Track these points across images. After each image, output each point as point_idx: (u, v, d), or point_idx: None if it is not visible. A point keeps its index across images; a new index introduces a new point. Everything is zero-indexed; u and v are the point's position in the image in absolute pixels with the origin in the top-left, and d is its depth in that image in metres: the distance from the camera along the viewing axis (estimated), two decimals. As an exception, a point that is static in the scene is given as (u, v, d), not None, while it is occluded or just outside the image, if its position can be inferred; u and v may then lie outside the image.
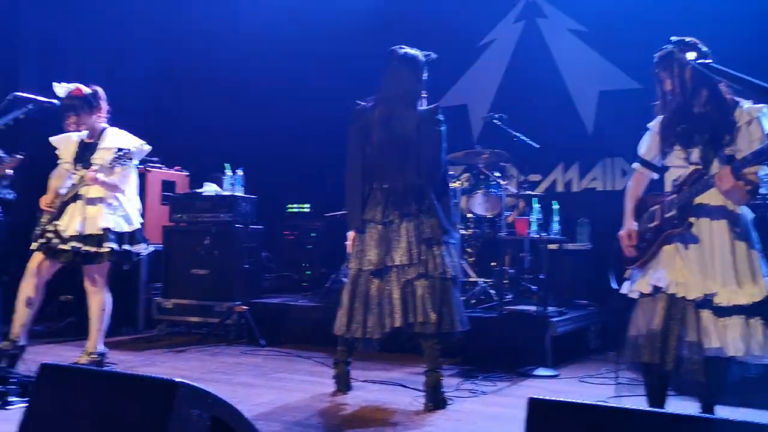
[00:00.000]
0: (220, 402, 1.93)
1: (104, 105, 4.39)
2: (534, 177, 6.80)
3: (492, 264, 5.87)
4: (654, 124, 3.20)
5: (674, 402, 3.83)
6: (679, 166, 3.04)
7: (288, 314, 5.83)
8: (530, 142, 5.63)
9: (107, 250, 4.14)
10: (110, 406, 1.91)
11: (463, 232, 5.62)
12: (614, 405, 1.69)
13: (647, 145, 3.22)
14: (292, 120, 7.65)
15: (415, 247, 3.63)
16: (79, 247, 4.10)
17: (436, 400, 3.64)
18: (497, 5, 7.34)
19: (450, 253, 3.72)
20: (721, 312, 2.86)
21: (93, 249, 4.12)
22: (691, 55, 2.86)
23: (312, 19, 7.47)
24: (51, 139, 4.43)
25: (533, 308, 4.93)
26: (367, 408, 3.68)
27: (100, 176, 4.14)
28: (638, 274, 3.11)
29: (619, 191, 6.48)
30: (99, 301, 4.30)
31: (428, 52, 3.85)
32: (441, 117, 3.74)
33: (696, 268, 2.91)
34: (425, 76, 3.83)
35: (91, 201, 4.20)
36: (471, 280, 5.62)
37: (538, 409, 1.71)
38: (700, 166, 2.96)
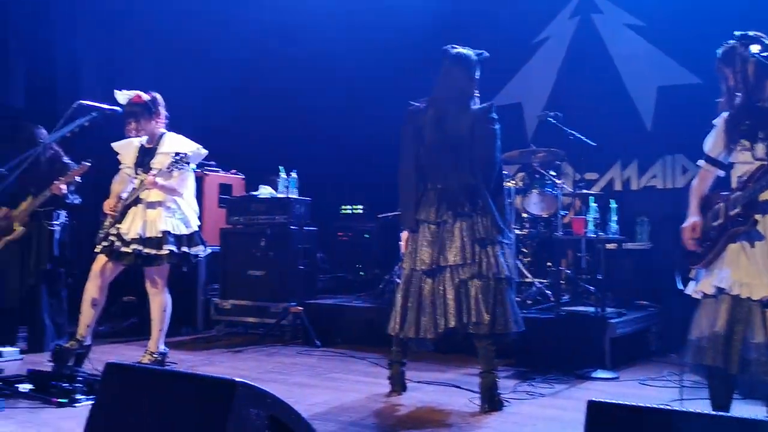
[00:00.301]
0: (278, 401, 1.95)
1: (163, 111, 4.51)
2: (590, 176, 6.66)
3: (548, 264, 5.80)
4: (719, 121, 3.10)
5: (739, 406, 3.70)
6: (744, 162, 2.95)
7: (342, 315, 5.87)
8: (586, 140, 5.52)
9: (166, 252, 4.26)
10: (172, 405, 1.96)
11: (518, 232, 5.56)
12: (677, 408, 1.64)
13: (712, 141, 3.13)
14: (345, 122, 7.71)
15: (468, 246, 3.61)
16: (140, 250, 4.23)
17: (492, 402, 3.60)
18: (551, 2, 7.24)
19: (504, 253, 3.69)
20: None
21: (153, 251, 4.24)
22: (754, 48, 2.77)
23: (364, 20, 7.51)
24: (113, 144, 4.58)
25: (591, 309, 4.83)
26: (422, 409, 3.67)
27: (159, 180, 4.25)
28: (702, 274, 3.02)
29: (680, 189, 6.33)
30: (160, 303, 4.42)
31: (480, 51, 3.82)
32: (495, 116, 3.71)
33: (762, 267, 2.81)
34: (478, 75, 3.81)
35: (151, 205, 4.32)
36: (527, 280, 5.55)
37: (597, 412, 1.68)
38: (765, 162, 2.86)
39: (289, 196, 6.17)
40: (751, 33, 2.91)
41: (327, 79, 7.65)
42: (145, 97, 4.42)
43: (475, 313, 3.55)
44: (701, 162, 3.21)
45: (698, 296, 3.00)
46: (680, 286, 3.15)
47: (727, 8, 5.89)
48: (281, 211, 6.14)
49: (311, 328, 5.65)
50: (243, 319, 6.16)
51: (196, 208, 4.57)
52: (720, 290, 2.87)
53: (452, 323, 3.58)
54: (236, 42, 7.73)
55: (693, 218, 3.11)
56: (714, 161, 3.14)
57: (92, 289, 4.30)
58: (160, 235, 4.26)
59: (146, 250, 4.23)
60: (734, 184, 3.02)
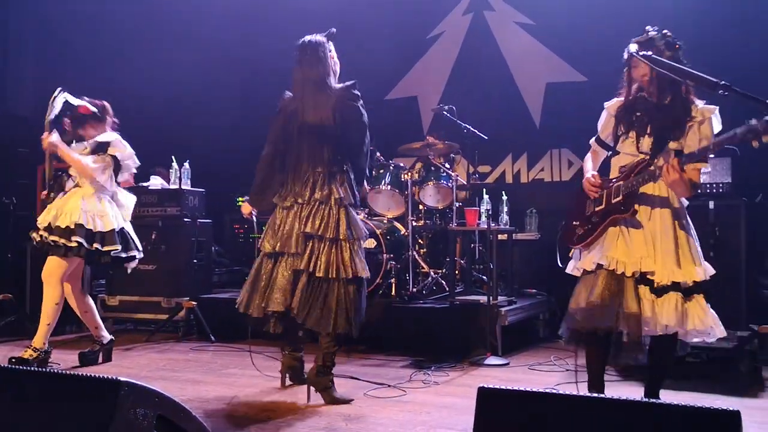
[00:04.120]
0: (167, 400, 1.88)
1: (110, 119, 4.50)
2: (484, 168, 6.86)
3: (444, 256, 5.92)
4: (611, 105, 3.22)
5: (619, 387, 3.94)
6: (629, 153, 3.11)
7: (238, 309, 5.74)
8: (479, 134, 5.67)
9: (75, 244, 4.13)
10: (51, 408, 1.85)
11: (414, 223, 5.65)
12: (560, 392, 1.72)
13: (603, 123, 3.28)
14: (240, 111, 7.55)
15: (302, 238, 3.55)
16: (45, 237, 4.14)
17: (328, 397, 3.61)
18: (445, -3, 7.38)
19: (340, 251, 3.55)
20: (660, 290, 2.96)
21: (61, 240, 4.12)
22: (633, 47, 2.91)
23: (258, 10, 7.39)
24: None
25: (483, 298, 4.98)
26: (317, 402, 3.65)
27: (57, 138, 4.18)
28: (582, 254, 3.19)
29: (565, 182, 6.62)
30: (52, 295, 4.23)
31: (330, 30, 3.75)
32: (357, 92, 3.62)
33: (636, 248, 3.01)
34: (331, 51, 3.71)
35: (74, 194, 4.28)
36: (423, 271, 5.65)
37: (487, 398, 1.72)
38: (648, 156, 3.03)
39: (182, 187, 5.98)
40: (666, 33, 2.99)
41: (221, 67, 7.47)
42: (93, 108, 4.40)
43: (298, 305, 3.50)
44: (592, 141, 3.37)
45: (578, 273, 3.17)
46: (560, 264, 3.32)
47: (613, 9, 6.21)
48: (173, 202, 5.93)
49: (206, 324, 5.51)
50: (132, 315, 5.93)
51: (129, 209, 4.53)
52: (599, 266, 3.04)
53: (280, 307, 3.51)
54: (129, 28, 7.41)
55: (591, 172, 3.22)
56: (603, 143, 3.29)
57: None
58: (72, 227, 4.14)
59: (52, 238, 4.11)
60: (615, 172, 3.18)
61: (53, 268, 4.21)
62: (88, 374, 1.88)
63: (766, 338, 4.16)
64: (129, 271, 4.63)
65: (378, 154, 5.95)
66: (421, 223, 5.83)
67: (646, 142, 3.04)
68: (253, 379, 4.19)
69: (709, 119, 2.98)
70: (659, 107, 3.03)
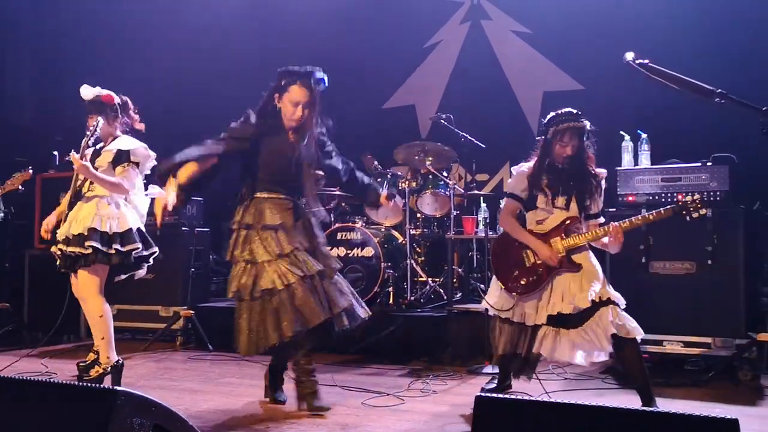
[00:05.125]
0: (163, 409, 1.88)
1: (128, 116, 4.32)
2: (482, 177, 6.86)
3: (442, 264, 5.92)
4: (523, 169, 3.66)
5: (618, 395, 3.93)
6: (544, 208, 3.54)
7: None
8: (477, 142, 5.69)
9: (89, 250, 3.88)
10: (48, 417, 1.85)
11: (412, 232, 5.65)
12: (558, 401, 1.72)
13: (521, 184, 3.63)
14: (237, 118, 7.55)
15: None
16: (64, 249, 3.92)
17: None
18: (442, 7, 7.40)
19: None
20: (599, 305, 3.34)
21: (76, 249, 3.88)
22: (629, 55, 2.95)
23: (255, 21, 7.42)
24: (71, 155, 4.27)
25: (481, 306, 4.97)
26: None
27: (97, 172, 3.94)
28: (519, 300, 3.56)
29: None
30: (93, 309, 4.03)
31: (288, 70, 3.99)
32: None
33: (568, 291, 3.43)
34: (284, 93, 3.97)
35: (88, 200, 4.03)
36: (421, 279, 5.65)
37: (485, 407, 1.72)
38: (575, 215, 3.50)
39: (180, 196, 5.97)
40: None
41: (220, 73, 7.47)
42: (117, 99, 4.24)
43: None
44: (507, 200, 3.69)
45: (514, 319, 3.59)
46: (488, 301, 3.73)
47: (610, 18, 6.24)
48: (171, 211, 5.92)
49: (203, 332, 5.50)
50: (130, 324, 5.91)
51: (143, 210, 4.30)
52: (537, 326, 3.50)
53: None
54: (127, 37, 7.44)
55: (545, 245, 3.50)
56: (519, 199, 3.65)
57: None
58: (86, 233, 3.90)
59: (70, 249, 3.89)
60: (532, 223, 3.58)
61: (84, 282, 3.99)
62: (83, 384, 1.88)
63: (765, 346, 4.16)
64: (144, 272, 4.37)
65: (376, 162, 5.96)
66: (419, 231, 5.84)
67: (560, 199, 3.52)
68: (250, 388, 4.18)
69: (601, 183, 3.59)
70: (572, 172, 3.54)
